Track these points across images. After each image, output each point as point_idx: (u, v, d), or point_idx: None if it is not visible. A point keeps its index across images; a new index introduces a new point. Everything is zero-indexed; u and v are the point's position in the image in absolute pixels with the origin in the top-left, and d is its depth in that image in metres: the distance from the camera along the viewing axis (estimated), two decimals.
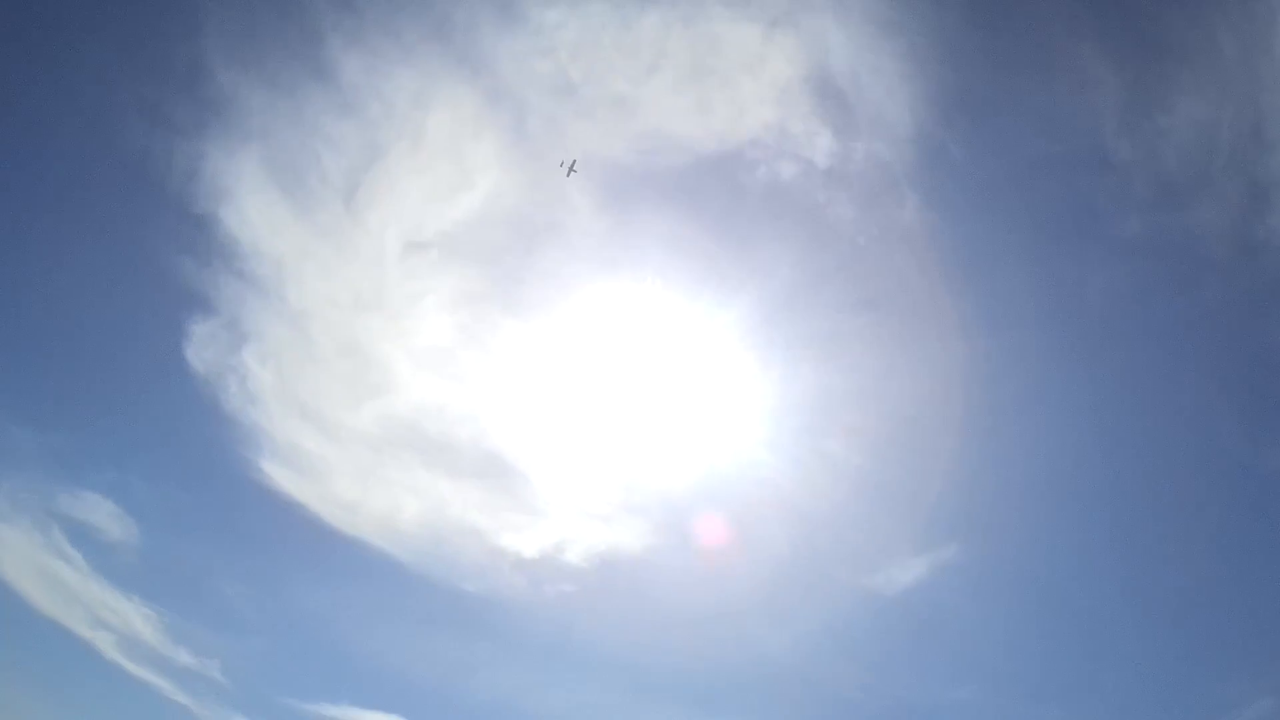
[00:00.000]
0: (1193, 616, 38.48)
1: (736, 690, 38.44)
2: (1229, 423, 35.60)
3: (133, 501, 37.64)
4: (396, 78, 29.80)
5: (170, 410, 38.15)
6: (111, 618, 36.98)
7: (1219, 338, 34.16)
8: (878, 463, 33.63)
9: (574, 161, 30.23)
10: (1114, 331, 33.76)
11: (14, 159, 33.24)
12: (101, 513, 37.32)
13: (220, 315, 34.03)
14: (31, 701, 37.07)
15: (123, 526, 37.56)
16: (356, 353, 33.87)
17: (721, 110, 31.28)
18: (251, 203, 33.38)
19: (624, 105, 31.44)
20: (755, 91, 31.22)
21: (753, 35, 29.43)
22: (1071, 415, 35.03)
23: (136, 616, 37.60)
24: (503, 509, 34.57)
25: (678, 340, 31.80)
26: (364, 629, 39.93)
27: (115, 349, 36.57)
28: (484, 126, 31.80)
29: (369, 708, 38.14)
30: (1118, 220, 32.15)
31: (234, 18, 29.99)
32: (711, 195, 30.92)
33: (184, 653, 38.60)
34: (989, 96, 31.37)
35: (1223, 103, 33.19)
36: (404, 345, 33.47)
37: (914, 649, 38.95)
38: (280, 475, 35.85)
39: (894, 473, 34.18)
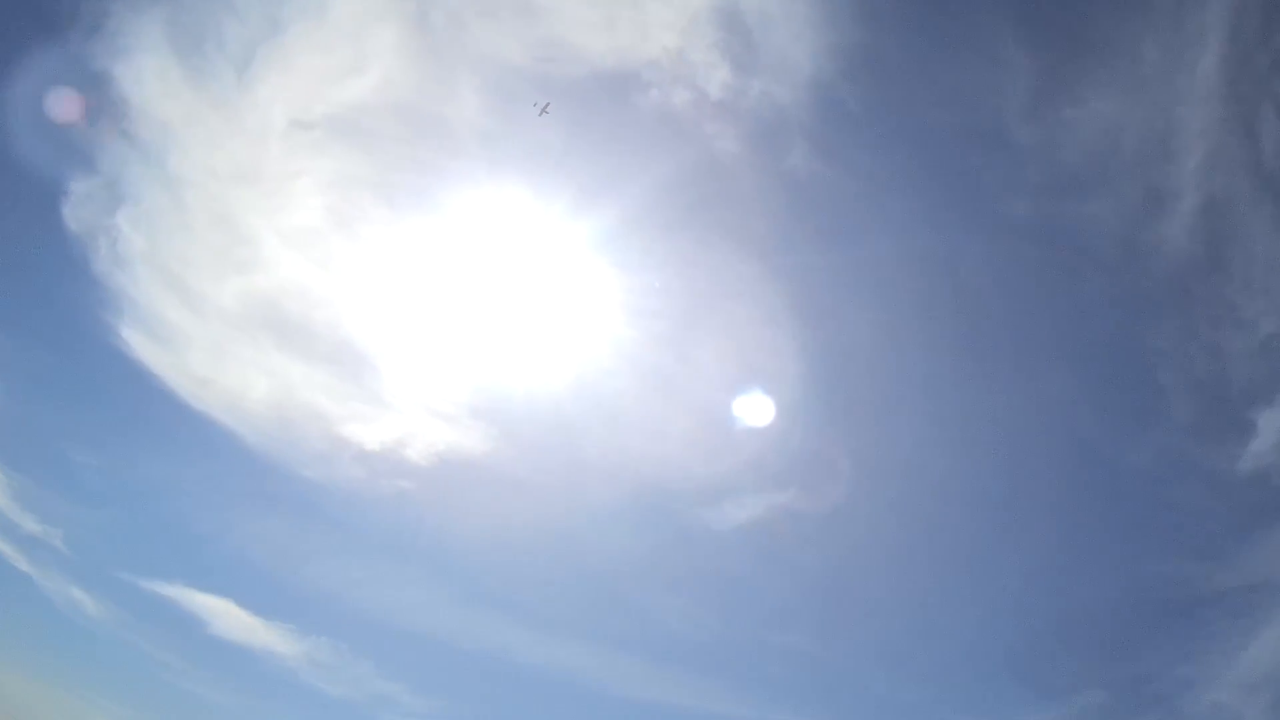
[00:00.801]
0: (1032, 603, 38.52)
1: (563, 607, 38.22)
2: (1091, 417, 35.94)
3: None
4: None
5: (39, 266, 37.09)
6: None
7: (1093, 333, 34.24)
8: (726, 397, 32.99)
9: (547, 104, 30.00)
10: (983, 310, 33.53)
11: None
12: None
13: (101, 175, 33.21)
14: None
15: None
16: (228, 226, 32.98)
17: (626, 29, 30.65)
18: (147, 64, 32.55)
19: (530, 10, 30.87)
20: (662, 16, 30.64)
21: None
22: (929, 388, 34.76)
23: None
24: (350, 398, 33.86)
25: (544, 250, 31.03)
26: (205, 508, 39.48)
27: None
28: (388, 14, 31.07)
29: (203, 589, 37.81)
30: (1006, 201, 31.74)
31: None
32: (601, 111, 30.38)
33: (30, 519, 37.81)
34: (896, 58, 30.98)
35: (1135, 107, 33.02)
36: (275, 223, 32.66)
37: (741, 589, 38.53)
38: (139, 343, 35.05)
39: (741, 412, 33.47)
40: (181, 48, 32.22)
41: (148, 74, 32.55)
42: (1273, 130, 34.85)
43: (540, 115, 30.01)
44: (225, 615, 37.86)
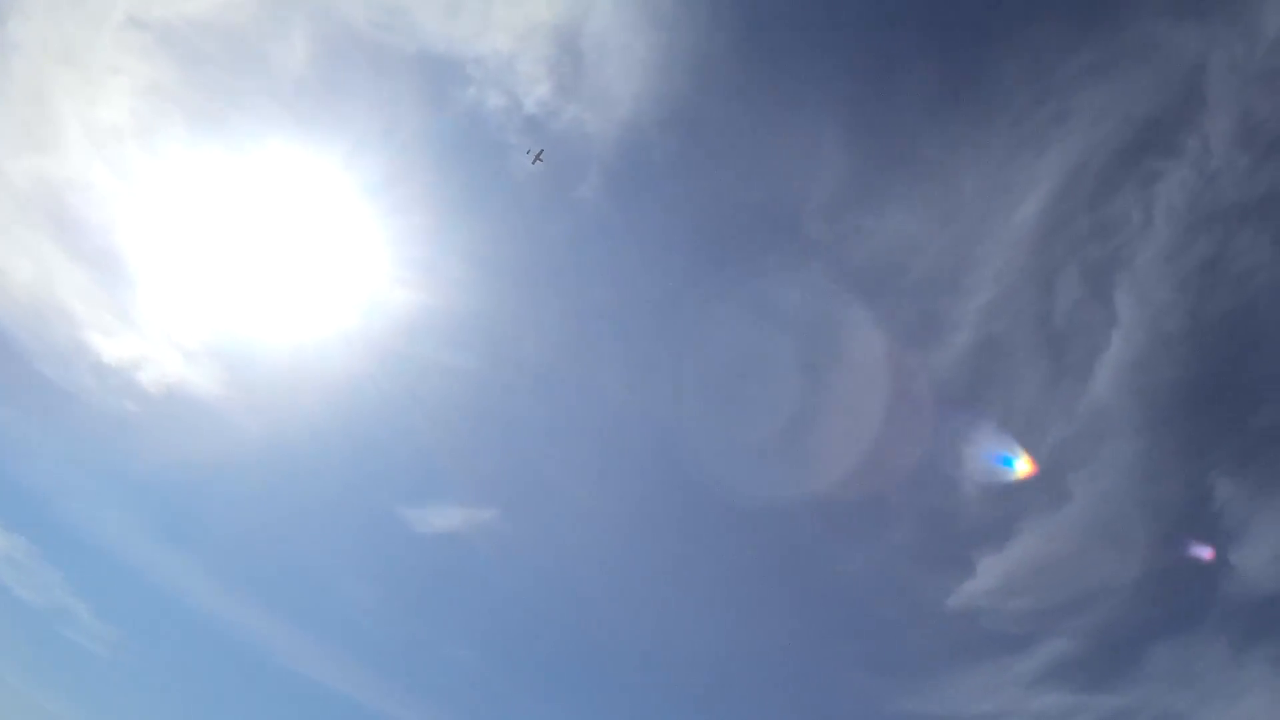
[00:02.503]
0: (713, 674, 39.08)
1: (256, 566, 37.82)
2: (811, 517, 36.73)
3: None
4: None
5: None
6: None
7: (832, 434, 34.66)
8: (455, 399, 33.04)
9: (540, 151, 30.33)
10: (727, 385, 34.00)
11: None
12: None
13: None
14: None
15: None
16: (40, 104, 32.27)
17: (468, 20, 30.71)
18: None
19: None
20: (505, 17, 30.79)
21: None
22: (655, 451, 35.15)
23: None
24: (102, 306, 33.27)
25: (321, 212, 30.89)
26: None
27: None
28: None
29: None
30: (782, 287, 32.31)
31: None
32: (417, 92, 30.26)
33: None
34: (715, 121, 31.32)
35: (937, 234, 33.82)
36: (84, 113, 31.99)
37: (428, 593, 38.43)
38: None
39: (467, 421, 33.55)
40: None
41: None
42: (1070, 292, 36.06)
43: (534, 164, 30.53)
44: None
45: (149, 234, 32.44)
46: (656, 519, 36.86)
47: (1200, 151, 40.22)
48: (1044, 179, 35.52)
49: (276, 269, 32.27)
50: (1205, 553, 38.81)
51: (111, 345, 32.85)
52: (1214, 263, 39.89)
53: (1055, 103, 36.87)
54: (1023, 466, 35.25)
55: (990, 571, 36.47)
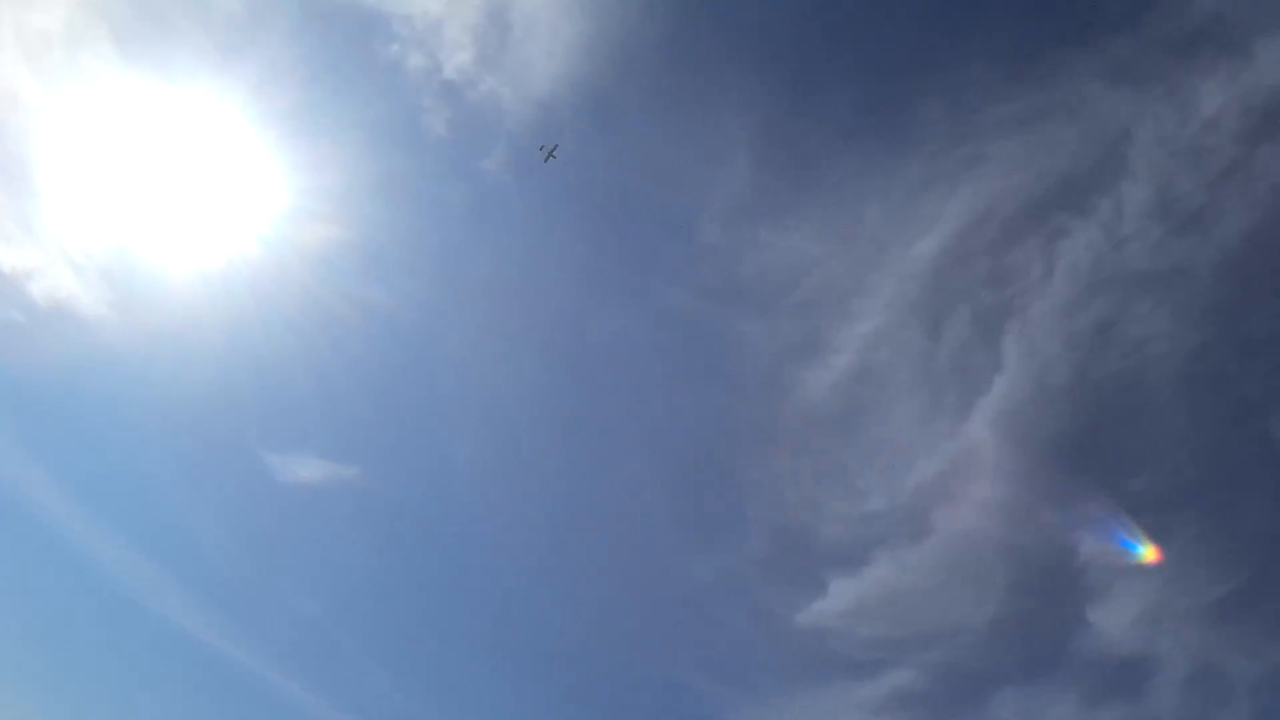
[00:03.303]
0: (554, 661, 39.33)
1: (112, 486, 37.70)
2: (669, 517, 37.57)
3: None
4: None
5: None
6: None
7: (701, 437, 35.52)
8: (336, 349, 33.28)
9: (554, 147, 30.46)
10: (605, 378, 34.54)
11: None
12: None
13: None
14: None
15: None
16: None
17: None
18: None
19: None
20: None
21: None
22: (534, 423, 35.52)
23: None
24: (4, 211, 33.10)
25: (230, 148, 31.08)
26: None
27: None
28: None
29: None
30: (669, 289, 32.78)
31: None
32: (342, 37, 30.55)
33: None
34: (628, 112, 31.69)
35: (832, 256, 34.25)
36: (19, 16, 32.08)
37: (281, 543, 38.43)
38: None
39: (345, 374, 33.80)
40: None
41: None
42: (958, 332, 36.56)
43: (546, 161, 30.73)
44: None
45: (61, 145, 32.39)
46: (519, 501, 37.08)
47: (1112, 216, 40.85)
48: (949, 218, 35.99)
49: (178, 196, 32.26)
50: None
51: (8, 253, 32.76)
52: (1108, 326, 40.54)
53: (973, 145, 37.32)
54: (1147, 553, 35.95)
55: (842, 594, 36.87)
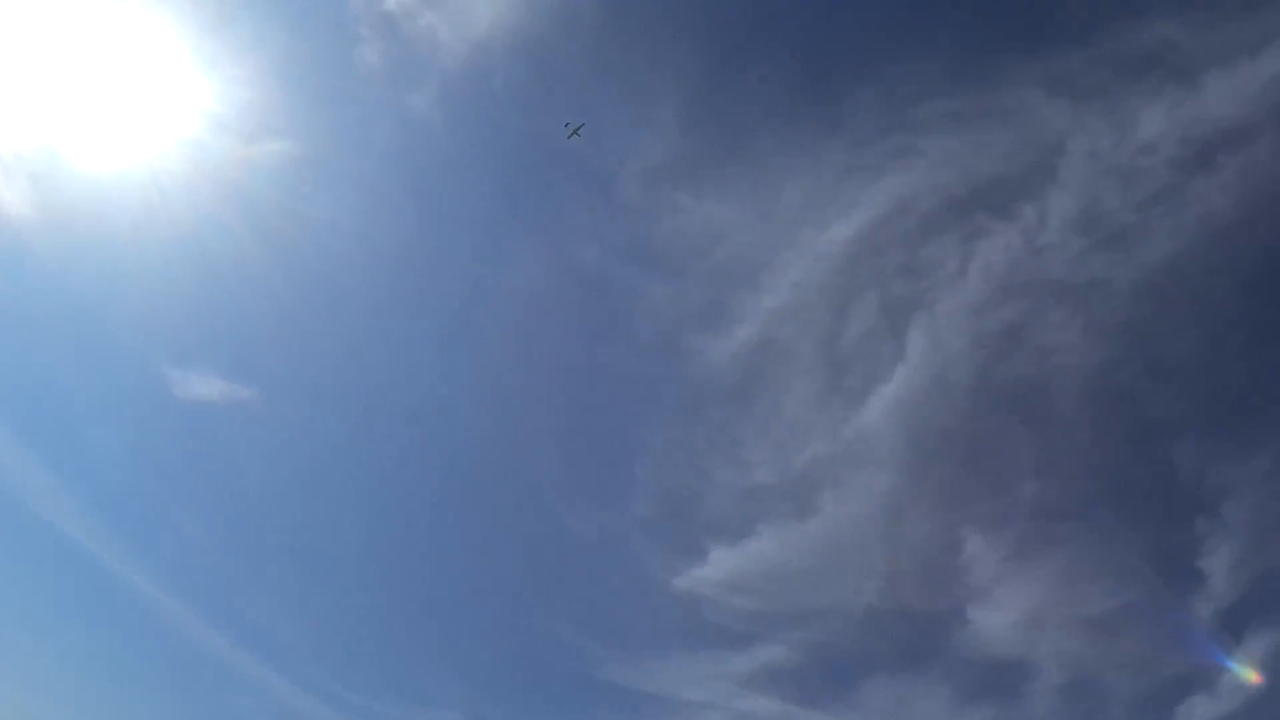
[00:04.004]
0: (431, 617, 39.62)
1: (15, 396, 37.24)
2: (555, 471, 38.03)
3: None
4: None
5: None
6: None
7: (591, 395, 36.27)
8: (250, 269, 33.34)
9: (580, 126, 30.64)
10: (504, 327, 34.96)
11: None
12: None
13: None
14: None
15: None
16: None
17: None
18: None
19: None
20: None
21: None
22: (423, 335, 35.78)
23: None
24: None
25: (167, 53, 31.07)
26: None
27: None
28: None
29: None
30: (581, 243, 33.27)
31: None
32: None
33: None
34: (561, 68, 32.11)
35: (748, 228, 34.52)
36: None
37: (173, 460, 38.40)
38: None
39: (255, 295, 33.91)
40: None
41: None
42: (864, 318, 36.84)
43: (570, 137, 31.00)
44: None
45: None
46: (411, 439, 37.17)
47: (1035, 223, 41.25)
48: (869, 205, 36.25)
49: (110, 105, 32.03)
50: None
51: None
52: (1017, 330, 41.00)
53: (902, 137, 37.52)
54: (1246, 672, 36.57)
55: (722, 563, 37.22)
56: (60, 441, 36.76)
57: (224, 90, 31.81)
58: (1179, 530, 43.67)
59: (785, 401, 35.56)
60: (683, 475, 35.78)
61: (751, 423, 35.83)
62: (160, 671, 40.11)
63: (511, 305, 33.98)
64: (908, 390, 36.79)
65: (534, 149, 33.46)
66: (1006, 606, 41.16)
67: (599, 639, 37.81)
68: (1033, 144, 39.04)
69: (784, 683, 39.10)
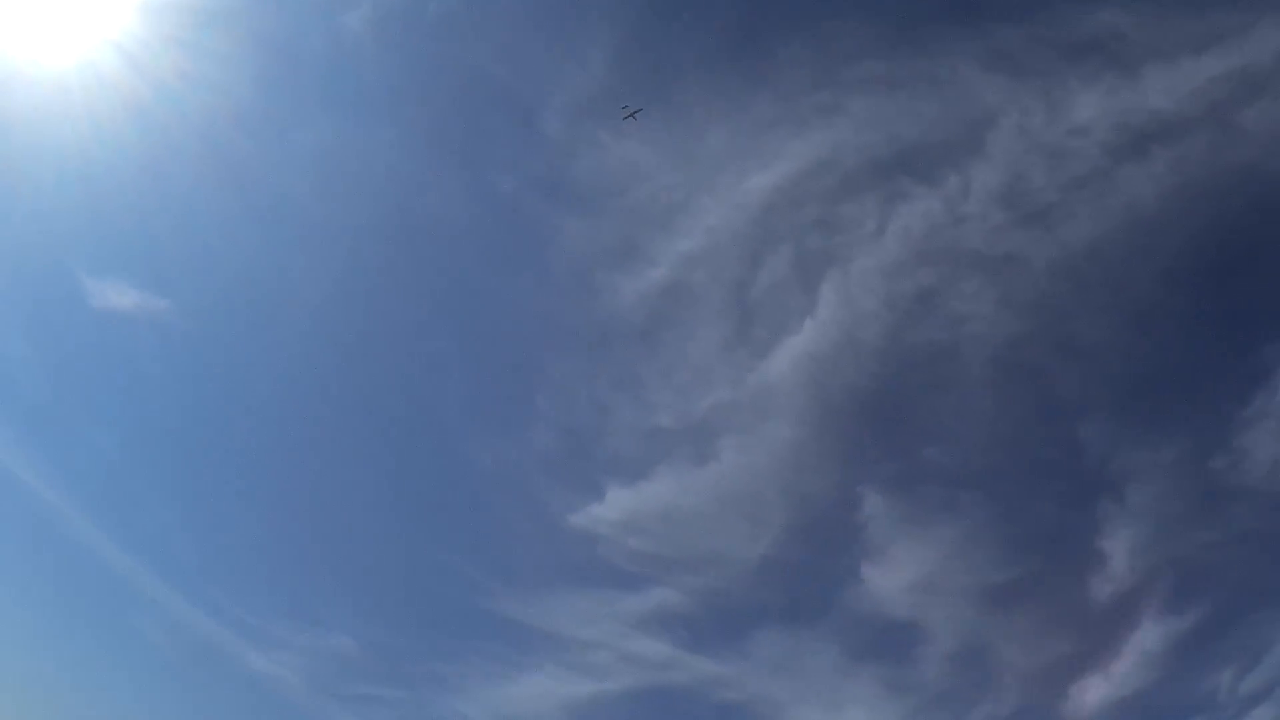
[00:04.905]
0: (322, 538, 39.65)
1: None
2: (457, 401, 38.10)
3: None
4: None
5: None
6: None
7: (502, 332, 36.86)
8: (171, 179, 33.08)
9: (638, 109, 30.72)
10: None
11: None
12: None
13: None
14: None
15: None
16: None
17: None
18: None
19: None
20: None
21: None
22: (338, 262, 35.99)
23: None
24: None
25: None
26: None
27: None
28: None
29: None
30: (499, 172, 33.61)
31: None
32: None
33: None
34: None
35: (667, 170, 34.66)
36: None
37: (85, 370, 38.10)
38: None
39: (175, 205, 33.57)
40: None
41: None
42: (777, 269, 37.18)
43: (625, 119, 31.07)
44: None
45: None
46: (320, 358, 36.95)
47: (958, 193, 41.64)
48: (792, 158, 36.49)
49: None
50: None
51: None
52: (930, 295, 41.50)
53: (831, 94, 37.59)
54: None
55: (619, 503, 37.49)
56: None
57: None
58: (1081, 509, 44.66)
59: (691, 346, 35.84)
60: (584, 412, 35.97)
61: (656, 364, 36.09)
62: (58, 584, 39.71)
63: (425, 229, 33.89)
64: (816, 344, 37.22)
65: (461, 75, 33.35)
66: (901, 568, 41.87)
67: (492, 571, 38.01)
68: (963, 115, 39.34)
69: (674, 627, 39.60)
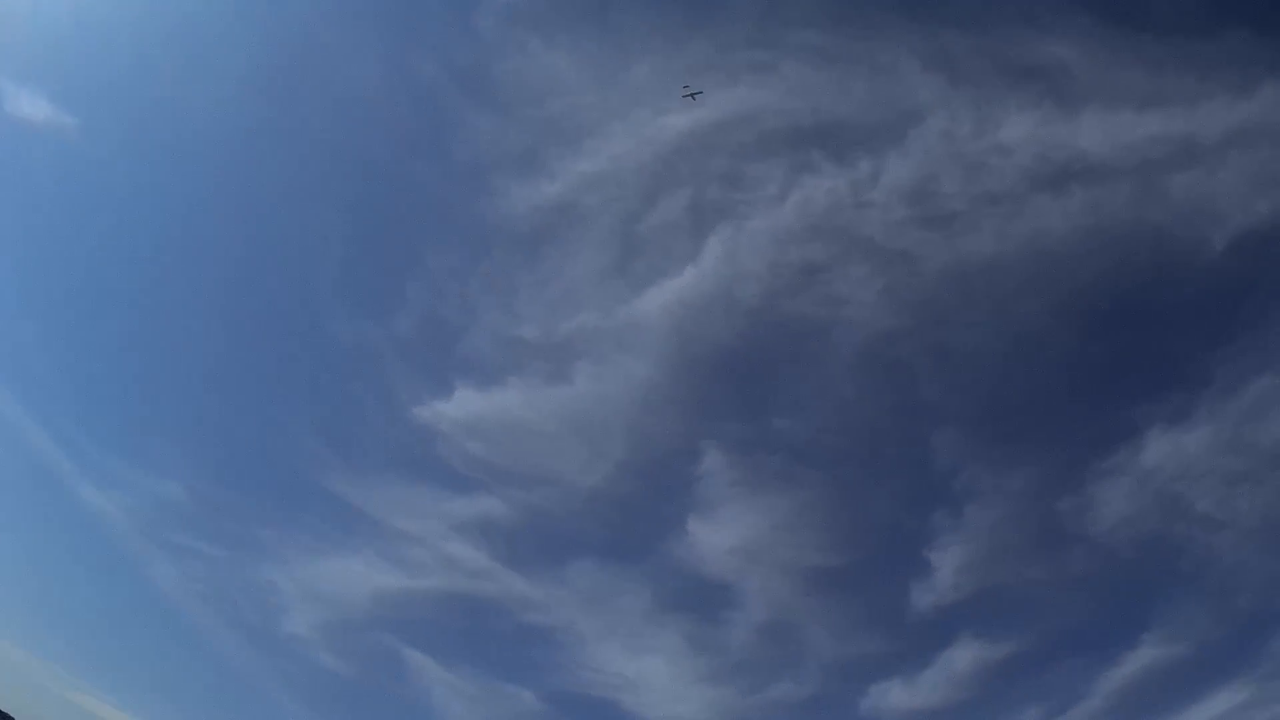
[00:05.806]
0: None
1: None
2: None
3: None
4: None
5: None
6: None
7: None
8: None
9: (699, 92, 30.09)
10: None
11: None
12: None
13: None
14: None
15: None
16: None
17: None
18: None
19: None
20: None
21: None
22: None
23: None
24: None
25: None
26: None
27: None
28: None
29: None
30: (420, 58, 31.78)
31: None
32: None
33: None
34: None
35: (586, 91, 33.95)
36: None
37: None
38: None
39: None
40: None
41: None
42: (670, 211, 37.54)
43: (683, 98, 30.52)
44: None
45: None
46: (215, 207, 36.08)
47: (867, 179, 42.20)
48: (713, 107, 35.90)
49: None
50: None
51: None
52: (815, 270, 42.18)
53: (768, 54, 37.17)
54: None
55: (466, 404, 37.83)
56: None
57: None
58: (917, 515, 46.71)
59: (570, 266, 35.86)
60: (451, 308, 35.86)
61: (532, 277, 36.04)
62: None
63: (335, 95, 32.87)
64: (692, 292, 37.57)
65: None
66: (728, 530, 43.31)
67: (330, 446, 37.98)
68: (892, 104, 39.54)
69: (495, 539, 40.31)
